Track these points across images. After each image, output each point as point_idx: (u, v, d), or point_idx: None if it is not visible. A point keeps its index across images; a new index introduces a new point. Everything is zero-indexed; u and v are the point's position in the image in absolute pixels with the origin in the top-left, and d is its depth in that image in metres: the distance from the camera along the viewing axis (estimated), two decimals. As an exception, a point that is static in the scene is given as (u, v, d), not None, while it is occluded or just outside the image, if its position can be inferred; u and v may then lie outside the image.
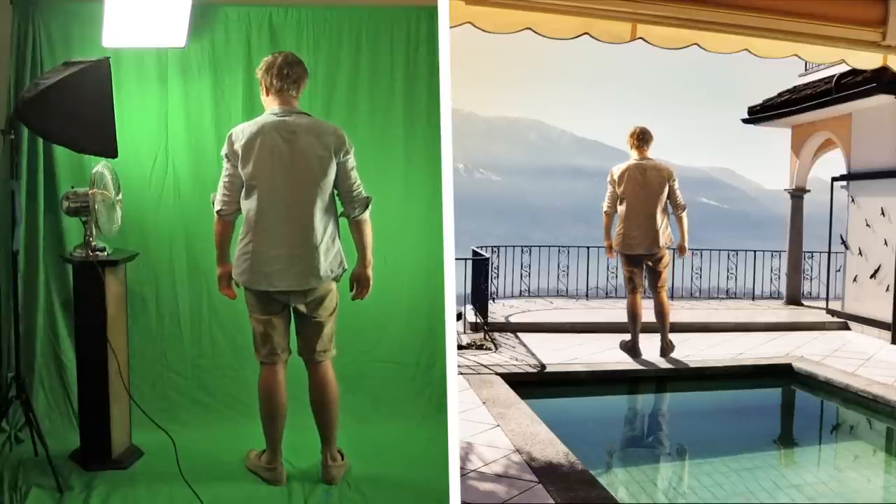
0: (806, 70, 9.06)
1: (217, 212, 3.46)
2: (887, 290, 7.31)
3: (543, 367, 5.94)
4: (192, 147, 4.17)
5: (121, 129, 3.66)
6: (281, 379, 3.54)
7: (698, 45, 4.13)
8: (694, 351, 6.52)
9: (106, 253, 3.70)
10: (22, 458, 3.62)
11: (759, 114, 9.37)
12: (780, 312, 8.95)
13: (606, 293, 9.64)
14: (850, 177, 8.15)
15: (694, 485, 4.14)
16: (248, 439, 3.74)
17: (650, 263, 6.13)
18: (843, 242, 8.16)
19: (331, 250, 3.46)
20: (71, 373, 4.01)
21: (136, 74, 4.12)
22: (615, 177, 6.13)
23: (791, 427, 5.73)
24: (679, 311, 8.17)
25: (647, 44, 4.02)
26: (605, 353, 6.36)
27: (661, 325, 6.21)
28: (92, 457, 3.62)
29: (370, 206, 3.51)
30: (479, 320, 7.21)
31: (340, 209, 3.53)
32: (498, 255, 9.45)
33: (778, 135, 9.97)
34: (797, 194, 9.62)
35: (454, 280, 3.62)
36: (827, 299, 8.76)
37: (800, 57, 4.38)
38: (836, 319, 8.09)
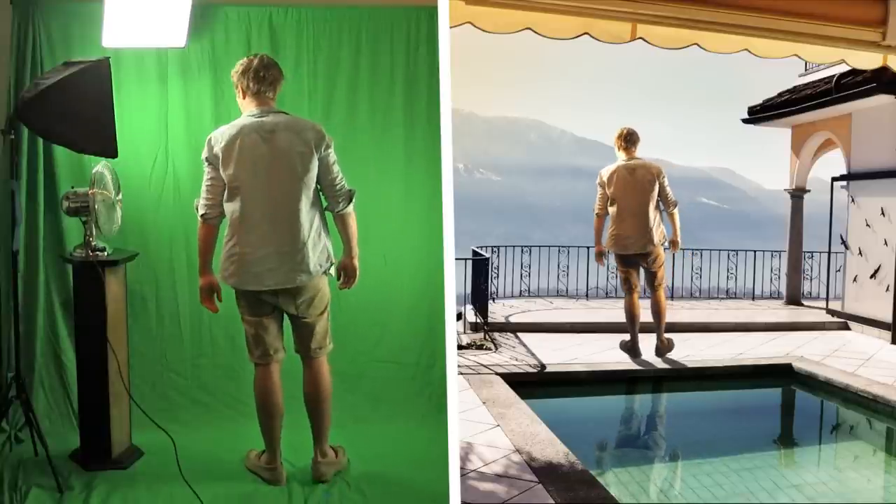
0: (806, 70, 9.04)
1: (201, 216, 3.46)
2: (887, 290, 7.31)
3: (543, 367, 5.93)
4: (192, 147, 4.16)
5: (121, 129, 3.66)
6: (276, 379, 3.54)
7: (698, 45, 4.12)
8: (694, 351, 6.52)
9: (106, 253, 3.71)
10: (22, 458, 3.62)
11: (759, 114, 9.35)
12: (780, 312, 8.94)
13: (606, 293, 9.62)
14: (850, 177, 8.14)
15: (694, 485, 4.13)
16: (247, 439, 3.74)
17: (645, 265, 6.11)
18: (843, 242, 8.15)
19: (318, 245, 3.46)
20: (71, 373, 4.01)
21: (136, 74, 4.12)
22: (604, 179, 6.11)
23: (791, 427, 5.73)
24: (679, 311, 8.18)
25: (647, 44, 4.02)
26: (605, 353, 6.36)
27: (657, 324, 6.19)
28: (92, 457, 3.63)
29: (354, 199, 3.51)
30: (479, 320, 7.21)
31: (325, 203, 3.53)
32: (498, 255, 9.44)
33: (778, 135, 9.96)
34: (797, 194, 9.61)
35: (454, 280, 3.62)
36: (827, 299, 8.75)
37: (800, 57, 4.38)
38: (836, 319, 8.08)
